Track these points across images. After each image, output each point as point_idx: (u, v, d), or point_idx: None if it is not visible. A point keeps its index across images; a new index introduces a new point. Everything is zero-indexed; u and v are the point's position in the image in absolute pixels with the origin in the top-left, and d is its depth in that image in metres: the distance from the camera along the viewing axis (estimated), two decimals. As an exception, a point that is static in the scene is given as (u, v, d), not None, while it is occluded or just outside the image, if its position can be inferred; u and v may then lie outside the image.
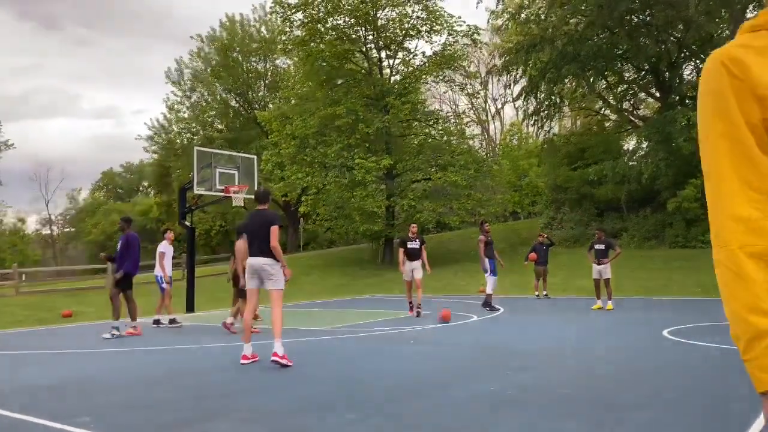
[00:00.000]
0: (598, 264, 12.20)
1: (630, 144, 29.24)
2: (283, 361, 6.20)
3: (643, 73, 26.37)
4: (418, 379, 5.53)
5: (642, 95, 28.57)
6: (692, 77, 25.71)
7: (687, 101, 24.53)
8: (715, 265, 1.12)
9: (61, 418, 4.39)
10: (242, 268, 7.59)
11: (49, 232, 65.64)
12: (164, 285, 11.29)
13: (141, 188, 65.46)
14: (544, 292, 15.36)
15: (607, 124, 29.95)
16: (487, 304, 12.32)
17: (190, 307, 14.38)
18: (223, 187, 14.75)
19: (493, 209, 26.78)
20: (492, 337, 8.52)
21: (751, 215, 1.08)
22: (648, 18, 22.71)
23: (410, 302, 12.07)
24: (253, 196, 16.47)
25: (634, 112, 28.74)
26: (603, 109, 29.61)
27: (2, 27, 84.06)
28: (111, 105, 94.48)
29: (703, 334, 7.80)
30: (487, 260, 12.19)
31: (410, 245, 11.70)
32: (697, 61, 24.98)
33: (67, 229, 66.79)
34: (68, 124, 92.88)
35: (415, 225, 12.31)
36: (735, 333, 1.07)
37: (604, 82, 27.12)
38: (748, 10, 24.46)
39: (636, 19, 23.19)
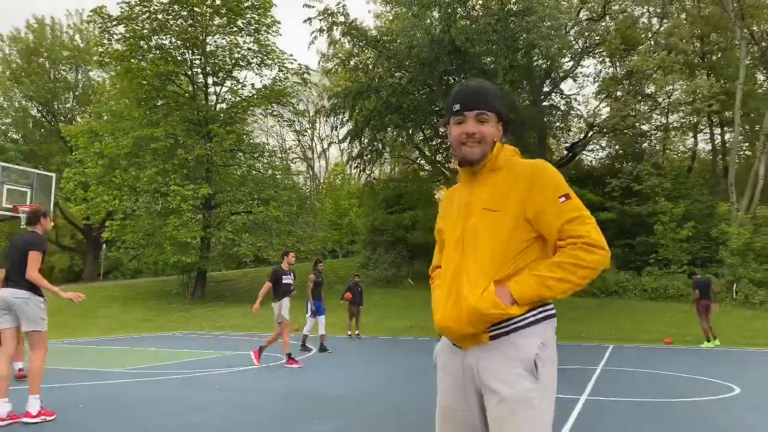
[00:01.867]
0: None
1: (440, 193, 31.37)
2: (38, 420, 5.20)
3: (457, 129, 28.59)
4: (220, 430, 5.19)
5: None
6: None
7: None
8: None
9: None
10: None
11: None
12: None
13: None
14: (357, 332, 15.62)
15: (422, 173, 31.93)
16: (304, 344, 12.22)
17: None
18: (11, 206, 13.04)
19: (313, 246, 26.92)
20: (302, 381, 8.37)
21: None
22: (463, 80, 24.83)
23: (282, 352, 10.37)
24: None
25: (446, 165, 31.00)
26: (419, 159, 31.56)
27: None
28: None
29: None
30: (312, 300, 12.11)
31: (285, 279, 9.99)
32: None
33: None
34: None
35: (293, 253, 10.66)
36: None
37: (421, 134, 28.97)
38: (545, 85, 28.00)
39: (452, 80, 25.24)
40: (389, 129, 27.10)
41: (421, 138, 29.26)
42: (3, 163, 15.08)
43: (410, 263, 26.85)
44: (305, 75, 27.61)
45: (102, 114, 28.77)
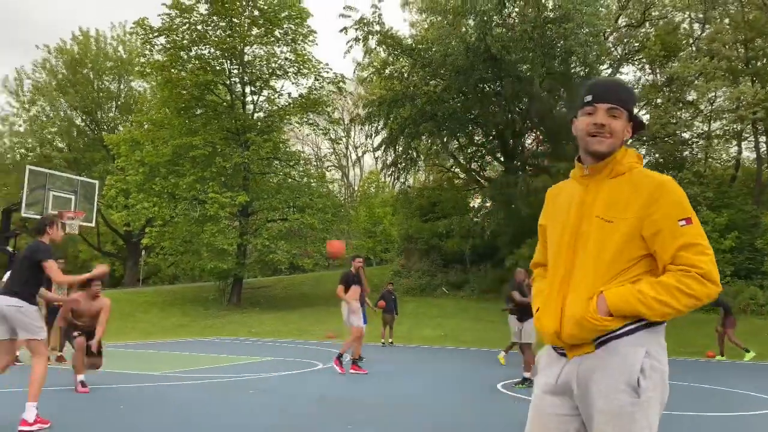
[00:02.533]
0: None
1: (476, 202, 31.23)
2: (34, 427, 5.04)
3: (491, 137, 28.49)
4: (255, 434, 5.24)
5: (488, 158, 30.81)
6: (533, 147, 28.26)
7: (527, 168, 26.84)
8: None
9: None
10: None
11: None
12: None
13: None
14: (390, 340, 15.60)
15: (456, 182, 31.80)
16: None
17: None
18: (56, 212, 13.43)
19: (347, 254, 27.03)
20: (336, 387, 8.40)
21: None
22: (499, 88, 24.71)
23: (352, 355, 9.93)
24: (89, 224, 15.19)
25: (481, 173, 30.83)
26: (453, 167, 31.45)
27: None
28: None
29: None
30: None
31: (353, 284, 9.63)
32: (538, 132, 27.56)
33: None
34: None
35: (359, 258, 10.09)
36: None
37: (456, 143, 28.88)
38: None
39: (488, 88, 25.13)
40: (424, 137, 27.10)
41: (456, 146, 29.17)
42: (49, 171, 15.58)
43: (444, 272, 26.72)
44: (341, 84, 27.85)
45: (143, 123, 29.48)
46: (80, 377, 7.27)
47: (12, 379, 8.10)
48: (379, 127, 28.04)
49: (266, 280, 33.01)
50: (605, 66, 26.40)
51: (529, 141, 28.52)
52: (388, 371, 10.43)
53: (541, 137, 27.54)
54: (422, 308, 22.43)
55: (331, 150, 42.03)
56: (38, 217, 13.70)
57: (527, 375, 8.53)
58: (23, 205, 13.27)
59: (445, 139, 27.35)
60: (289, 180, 27.71)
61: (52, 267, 5.30)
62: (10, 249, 14.12)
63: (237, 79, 27.28)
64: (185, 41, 25.50)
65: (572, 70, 23.97)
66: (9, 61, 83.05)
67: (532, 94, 23.38)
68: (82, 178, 15.90)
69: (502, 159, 28.47)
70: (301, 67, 27.04)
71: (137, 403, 6.73)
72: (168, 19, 25.11)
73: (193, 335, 17.92)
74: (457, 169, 31.30)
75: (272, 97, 27.82)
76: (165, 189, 24.92)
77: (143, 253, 37.76)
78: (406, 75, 25.81)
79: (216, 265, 24.04)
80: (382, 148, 27.90)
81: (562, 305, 1.86)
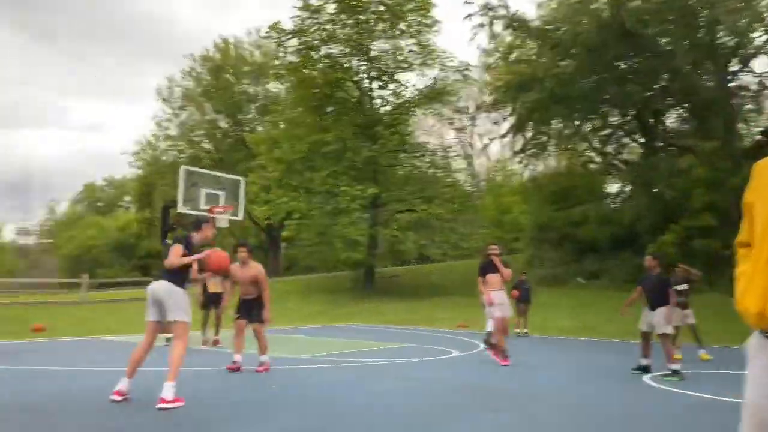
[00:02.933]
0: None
1: (613, 187, 29.66)
2: (172, 405, 5.46)
3: (628, 118, 26.89)
4: (399, 417, 5.42)
5: (626, 140, 29.12)
6: (676, 125, 26.27)
7: (670, 148, 25.02)
8: None
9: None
10: None
11: (25, 242, 64.42)
12: None
13: (122, 203, 64.67)
14: (525, 330, 15.32)
15: (591, 166, 30.38)
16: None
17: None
18: (208, 208, 14.58)
19: (476, 244, 26.82)
20: (473, 375, 8.42)
21: None
22: (635, 65, 23.24)
23: (497, 346, 9.30)
24: (237, 218, 16.35)
25: (618, 156, 29.21)
26: (587, 151, 30.07)
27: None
28: (98, 119, 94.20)
29: (686, 382, 7.77)
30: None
31: (491, 273, 9.18)
32: (681, 110, 25.58)
33: (44, 241, 65.56)
34: (54, 136, 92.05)
35: (493, 245, 9.60)
36: None
37: (590, 125, 27.59)
38: (730, 64, 25.23)
39: (624, 66, 23.72)
40: (554, 121, 26.18)
41: (589, 129, 27.87)
42: (200, 170, 16.94)
43: (579, 261, 25.69)
44: (466, 71, 27.65)
45: (279, 122, 31.18)
46: (237, 357, 7.93)
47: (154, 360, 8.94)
48: (507, 114, 27.51)
49: (397, 270, 33.67)
50: (759, 33, 23.90)
51: (671, 120, 26.56)
52: (525, 361, 10.26)
53: (685, 115, 25.53)
54: (556, 298, 21.75)
55: (457, 139, 41.85)
56: (193, 213, 14.98)
57: (674, 366, 8.05)
58: (179, 202, 14.54)
59: (577, 122, 26.24)
60: (416, 171, 28.01)
61: (174, 250, 5.86)
62: (169, 242, 15.54)
63: (364, 75, 27.98)
64: (315, 41, 26.57)
65: (719, 41, 21.97)
66: (161, 71, 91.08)
67: (674, 69, 21.75)
68: (229, 176, 17.10)
69: (641, 140, 26.79)
70: (426, 58, 27.17)
71: (287, 384, 7.20)
72: (299, 21, 26.30)
73: (331, 322, 18.73)
74: (591, 153, 29.90)
75: (398, 90, 28.24)
76: (301, 184, 26.21)
77: (283, 245, 39.99)
78: (534, 58, 25.06)
79: (349, 256, 24.94)
80: (510, 134, 27.35)
81: (765, 289, 1.75)
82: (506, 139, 29.29)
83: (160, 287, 5.79)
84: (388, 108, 28.62)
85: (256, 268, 8.07)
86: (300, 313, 21.23)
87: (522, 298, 15.19)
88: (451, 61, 27.31)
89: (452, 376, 8.24)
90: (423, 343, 12.61)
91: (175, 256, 5.83)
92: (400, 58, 27.20)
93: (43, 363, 8.70)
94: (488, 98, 30.27)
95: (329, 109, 27.87)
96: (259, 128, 39.02)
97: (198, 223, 6.35)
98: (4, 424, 4.78)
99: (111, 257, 49.65)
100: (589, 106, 24.89)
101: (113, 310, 19.65)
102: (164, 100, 42.05)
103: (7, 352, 9.74)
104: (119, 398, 5.66)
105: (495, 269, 9.27)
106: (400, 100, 28.21)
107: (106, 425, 4.91)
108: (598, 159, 29.70)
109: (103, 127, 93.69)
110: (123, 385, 5.71)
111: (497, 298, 9.10)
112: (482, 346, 11.37)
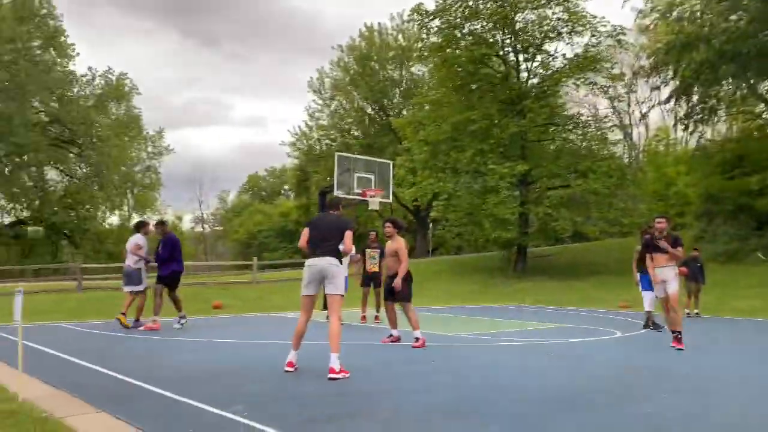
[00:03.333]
0: None
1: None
2: (340, 375, 5.78)
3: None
4: (558, 396, 5.27)
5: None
6: None
7: None
8: None
9: (217, 404, 4.69)
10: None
11: (201, 230, 71.51)
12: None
13: (282, 191, 69.31)
14: (696, 311, 14.15)
15: (769, 129, 27.10)
16: (647, 323, 10.87)
17: (325, 305, 14.91)
18: (360, 191, 15.15)
19: (637, 219, 25.15)
20: (637, 356, 7.97)
21: None
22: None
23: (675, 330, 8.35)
24: (387, 201, 16.78)
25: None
26: (765, 112, 26.84)
27: (168, 44, 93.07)
28: (259, 114, 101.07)
29: None
30: (638, 274, 10.78)
31: (657, 252, 8.38)
32: None
33: (217, 228, 72.35)
34: (221, 132, 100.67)
35: (660, 219, 8.51)
36: None
37: (768, 84, 24.58)
38: None
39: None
40: (725, 81, 23.65)
41: (767, 88, 24.85)
42: (353, 156, 17.63)
43: (759, 235, 23.10)
44: (620, 36, 25.81)
45: (424, 104, 31.40)
46: (394, 332, 8.28)
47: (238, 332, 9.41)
48: (668, 77, 25.34)
49: (550, 249, 32.64)
50: None
51: None
52: (696, 343, 9.49)
53: None
54: (732, 276, 19.80)
55: (612, 109, 39.37)
56: (347, 197, 15.66)
57: None
58: (335, 187, 15.26)
59: (753, 81, 23.49)
60: (569, 145, 26.79)
61: (349, 235, 6.26)
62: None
63: (510, 49, 27.20)
64: (458, 19, 26.27)
65: None
66: (313, 64, 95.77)
67: None
68: (378, 160, 17.61)
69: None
70: (575, 25, 25.75)
71: (443, 360, 7.31)
72: (441, 1, 26.14)
73: (482, 302, 18.66)
74: (769, 115, 26.67)
75: (546, 61, 27.09)
76: (447, 164, 26.22)
77: (431, 225, 40.47)
78: (698, 14, 22.77)
79: (500, 235, 24.54)
80: (673, 99, 25.17)
81: None
82: (668, 106, 27.01)
83: (323, 263, 6.14)
84: (535, 81, 27.61)
85: (398, 242, 8.31)
86: (450, 293, 21.39)
87: (692, 277, 14.01)
88: (604, 26, 25.64)
89: (616, 357, 7.86)
90: (581, 323, 12.15)
91: (350, 240, 6.25)
92: (547, 27, 26.03)
93: (224, 336, 9.64)
94: (646, 62, 28.08)
95: (473, 86, 27.46)
96: (405, 112, 39.63)
97: (335, 204, 6.74)
98: (202, 392, 5.36)
99: (275, 241, 53.46)
100: (767, 63, 22.12)
101: (279, 290, 21.17)
102: (315, 91, 44.20)
103: (196, 326, 10.92)
104: (291, 369, 6.15)
105: (657, 248, 8.32)
106: (549, 72, 27.05)
107: (280, 394, 5.34)
108: (777, 120, 26.44)
109: (264, 122, 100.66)
110: (292, 356, 6.21)
111: (662, 275, 8.32)
112: (662, 327, 10.59)
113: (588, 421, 4.39)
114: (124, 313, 10.17)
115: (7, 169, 37.31)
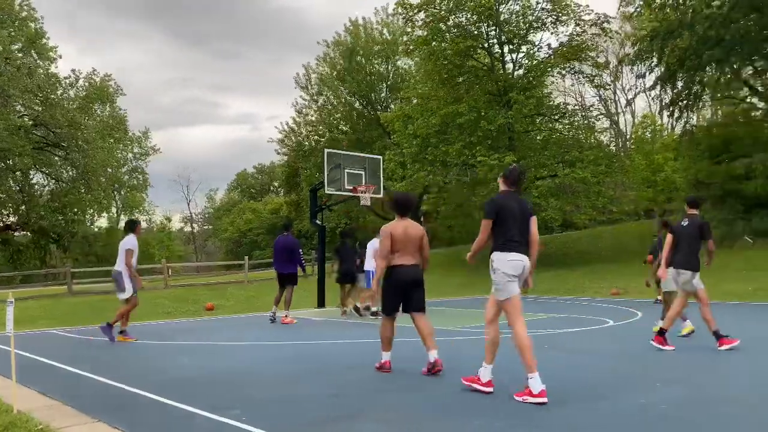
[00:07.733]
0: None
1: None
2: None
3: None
4: (559, 389, 5.31)
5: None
6: None
7: None
8: None
9: (214, 409, 4.69)
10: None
11: (190, 229, 71.20)
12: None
13: (272, 188, 69.09)
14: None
15: (753, 114, 27.28)
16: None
17: (320, 303, 14.95)
18: (351, 187, 15.14)
19: (626, 207, 25.33)
20: (630, 344, 8.04)
21: None
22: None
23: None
24: (378, 196, 16.74)
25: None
26: (750, 97, 27.03)
27: (156, 44, 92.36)
28: (247, 112, 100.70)
29: None
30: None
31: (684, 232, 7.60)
32: None
33: (206, 227, 72.08)
34: (209, 131, 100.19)
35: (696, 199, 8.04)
36: None
37: (751, 68, 24.70)
38: None
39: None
40: (709, 67, 23.78)
41: (750, 72, 24.99)
42: (342, 152, 17.58)
43: (746, 219, 23.33)
44: (604, 24, 25.89)
45: (411, 98, 31.35)
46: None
47: (233, 334, 9.43)
48: (653, 64, 25.44)
49: (540, 239, 32.73)
50: None
51: None
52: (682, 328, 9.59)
53: None
54: (722, 260, 19.89)
55: (598, 98, 39.49)
56: (338, 193, 15.61)
57: None
58: (325, 183, 15.22)
59: (736, 66, 23.63)
60: (555, 135, 26.87)
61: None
62: (318, 222, 16.39)
63: (495, 41, 27.20)
64: (442, 12, 26.22)
65: None
66: (302, 61, 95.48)
67: None
68: (368, 155, 17.58)
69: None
70: (560, 14, 25.81)
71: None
72: (425, -6, 26.07)
73: (475, 294, 18.72)
74: (754, 99, 26.84)
75: (531, 51, 27.14)
76: (437, 158, 26.21)
77: (422, 219, 40.46)
78: (681, 0, 22.87)
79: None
80: (658, 86, 25.30)
81: None
82: (654, 93, 27.15)
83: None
84: (521, 72, 27.65)
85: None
86: (443, 285, 21.44)
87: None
88: (588, 14, 25.72)
89: (610, 347, 7.93)
90: (573, 312, 12.24)
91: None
92: (531, 17, 26.07)
93: (218, 339, 9.61)
94: (631, 50, 28.18)
95: (460, 79, 27.46)
96: (392, 106, 39.53)
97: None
98: (199, 397, 5.35)
99: (266, 239, 53.35)
100: (751, 48, 22.26)
101: (272, 289, 21.13)
102: (302, 87, 43.99)
103: (189, 329, 10.89)
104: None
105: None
106: (534, 62, 27.11)
107: (277, 397, 5.33)
108: (761, 105, 26.62)
109: (254, 119, 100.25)
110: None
111: (677, 270, 7.74)
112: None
113: (581, 413, 4.43)
114: (122, 331, 9.41)
115: (-9, 174, 36.89)
